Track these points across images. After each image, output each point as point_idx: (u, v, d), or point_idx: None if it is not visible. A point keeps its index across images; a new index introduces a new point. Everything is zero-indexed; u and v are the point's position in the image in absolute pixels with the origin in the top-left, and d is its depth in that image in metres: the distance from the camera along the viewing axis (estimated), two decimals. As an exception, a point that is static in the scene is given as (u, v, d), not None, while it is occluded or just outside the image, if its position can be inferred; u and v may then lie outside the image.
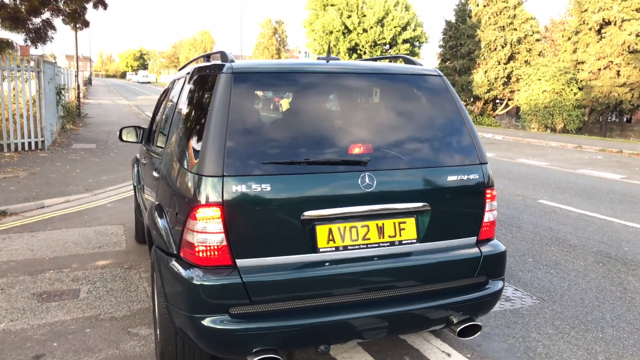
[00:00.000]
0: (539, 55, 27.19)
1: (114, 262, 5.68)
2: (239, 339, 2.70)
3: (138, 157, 5.91)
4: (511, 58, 27.20)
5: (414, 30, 50.26)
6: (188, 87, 3.49)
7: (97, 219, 7.48)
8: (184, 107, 3.39)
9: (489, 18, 27.67)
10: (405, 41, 50.24)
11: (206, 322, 2.67)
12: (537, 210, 8.48)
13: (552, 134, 23.23)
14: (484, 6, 28.11)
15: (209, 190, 2.66)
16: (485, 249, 3.21)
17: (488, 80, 27.17)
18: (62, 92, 16.53)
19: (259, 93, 3.83)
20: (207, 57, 3.81)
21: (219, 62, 3.15)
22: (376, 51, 50.08)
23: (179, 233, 2.83)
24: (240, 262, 2.72)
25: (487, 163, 3.26)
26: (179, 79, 4.16)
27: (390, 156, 3.02)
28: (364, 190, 2.86)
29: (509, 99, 28.02)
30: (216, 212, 2.65)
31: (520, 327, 4.28)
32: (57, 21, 13.46)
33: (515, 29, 27.13)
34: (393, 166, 3.00)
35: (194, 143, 2.93)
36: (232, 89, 2.84)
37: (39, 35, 12.13)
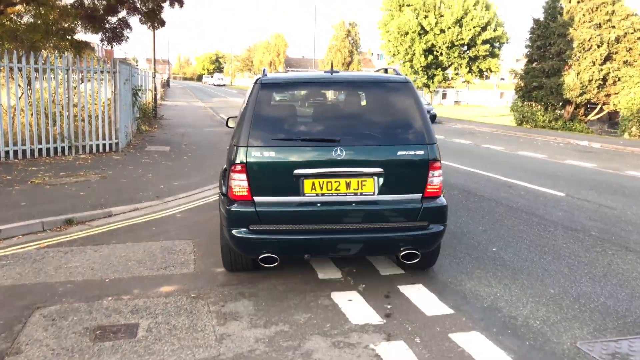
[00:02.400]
0: (641, 55, 24.73)
1: (179, 288, 4.94)
2: (253, 244, 4.47)
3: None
4: (608, 58, 24.83)
5: (494, 31, 47.89)
6: (248, 91, 5.03)
7: (165, 231, 6.84)
8: (243, 104, 4.99)
9: (584, 15, 25.44)
10: (485, 42, 47.98)
11: (235, 232, 4.47)
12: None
13: (656, 142, 20.92)
14: (578, 2, 25.88)
15: (240, 154, 4.40)
16: (427, 203, 4.57)
17: (581, 83, 24.95)
18: (139, 93, 16.40)
19: (278, 96, 5.48)
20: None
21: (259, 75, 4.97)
22: (453, 52, 48.11)
23: (227, 181, 4.60)
24: (256, 199, 4.45)
25: (434, 144, 4.59)
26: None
27: (357, 136, 4.55)
28: (335, 158, 4.42)
29: (604, 103, 25.63)
30: (242, 167, 4.38)
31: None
32: (134, 21, 13.17)
33: (614, 27, 24.74)
34: (358, 143, 4.50)
35: (238, 127, 4.67)
36: (258, 94, 4.60)
37: (115, 35, 11.88)
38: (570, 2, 26.65)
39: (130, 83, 14.60)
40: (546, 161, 14.59)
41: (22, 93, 11.26)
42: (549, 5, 27.22)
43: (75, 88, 12.10)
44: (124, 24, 11.86)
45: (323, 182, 4.45)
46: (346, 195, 4.49)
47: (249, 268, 5.19)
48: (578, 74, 25.22)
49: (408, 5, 48.49)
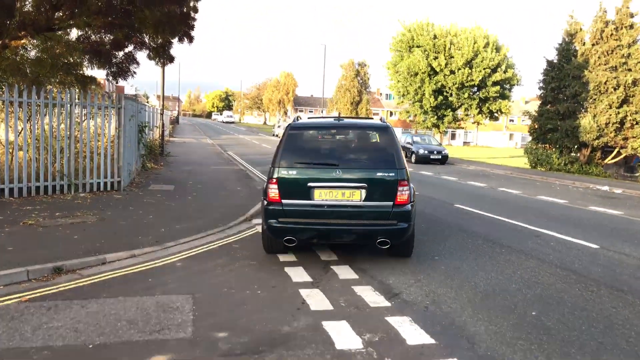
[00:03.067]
0: (658, 98, 24.21)
1: (173, 359, 4.22)
2: (281, 230, 6.75)
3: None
4: (625, 101, 24.31)
5: (504, 72, 47.82)
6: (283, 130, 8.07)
7: (162, 283, 6.14)
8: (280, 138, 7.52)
9: (599, 57, 25.07)
10: (495, 83, 47.88)
11: (269, 222, 6.81)
12: None
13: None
14: (593, 45, 25.56)
15: (274, 172, 6.78)
16: (396, 208, 6.63)
17: (598, 126, 24.37)
18: (145, 130, 15.94)
19: (302, 135, 7.38)
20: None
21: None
22: (464, 93, 47.96)
23: (266, 189, 6.86)
24: (283, 201, 6.73)
25: (403, 169, 6.74)
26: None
27: (350, 162, 6.90)
28: (335, 176, 6.70)
29: (621, 147, 24.98)
30: (275, 181, 6.73)
31: None
32: (142, 56, 12.78)
33: (630, 70, 24.32)
34: (350, 167, 6.81)
35: (275, 154, 6.99)
36: (288, 133, 7.09)
37: (121, 69, 11.45)
38: (584, 44, 26.36)
39: (136, 119, 14.15)
40: (568, 207, 13.85)
41: (22, 128, 10.78)
42: (563, 47, 26.93)
43: (78, 124, 11.63)
44: (131, 58, 11.45)
45: (327, 191, 6.76)
46: (342, 201, 6.74)
47: (279, 251, 7.51)
48: (594, 116, 24.68)
49: (418, 46, 48.67)
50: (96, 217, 9.36)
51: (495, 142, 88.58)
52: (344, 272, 6.77)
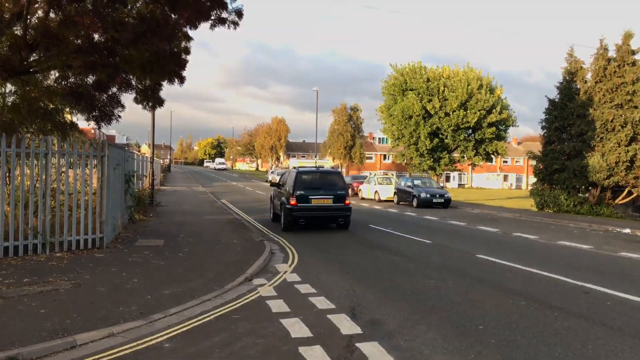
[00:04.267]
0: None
1: None
2: (296, 217, 15.89)
3: (273, 194, 19.26)
4: (633, 139, 23.47)
5: (500, 113, 47.35)
6: (290, 172, 18.07)
7: (145, 377, 4.77)
8: (288, 178, 17.16)
9: (603, 95, 24.33)
10: (490, 124, 47.32)
11: (293, 214, 15.91)
12: None
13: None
14: (596, 82, 24.87)
15: (294, 193, 15.90)
16: (346, 206, 16.38)
17: (608, 165, 23.40)
18: (132, 179, 14.68)
19: (303, 174, 16.91)
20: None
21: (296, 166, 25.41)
22: (459, 135, 47.27)
23: (288, 200, 16.08)
24: (298, 205, 15.88)
25: (346, 190, 16.73)
26: (290, 170, 19.72)
27: (326, 188, 16.33)
28: (320, 193, 16.12)
29: (633, 186, 23.95)
30: (294, 199, 15.85)
31: None
32: (130, 99, 11.65)
33: (636, 107, 23.56)
34: (326, 189, 16.26)
35: (290, 187, 16.27)
36: (297, 174, 16.57)
37: (104, 113, 10.25)
38: (586, 82, 25.73)
39: (122, 168, 12.91)
40: (598, 254, 12.60)
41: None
42: (564, 86, 26.26)
43: (57, 175, 10.39)
44: (115, 101, 10.28)
45: (317, 199, 15.76)
46: (324, 204, 15.85)
47: (293, 229, 15.83)
48: (603, 155, 23.75)
49: (411, 90, 48.30)
50: (71, 283, 7.98)
51: (490, 184, 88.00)
52: (375, 354, 5.39)
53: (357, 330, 6.12)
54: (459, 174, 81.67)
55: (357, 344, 5.61)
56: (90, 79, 9.81)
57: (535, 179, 28.30)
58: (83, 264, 9.42)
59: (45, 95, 11.11)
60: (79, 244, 10.59)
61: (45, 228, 10.03)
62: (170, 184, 45.24)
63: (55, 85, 10.74)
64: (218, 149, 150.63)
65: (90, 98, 9.68)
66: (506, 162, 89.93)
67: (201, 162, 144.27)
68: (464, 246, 13.36)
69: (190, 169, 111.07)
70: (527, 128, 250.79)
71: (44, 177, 9.94)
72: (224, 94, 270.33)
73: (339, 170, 23.73)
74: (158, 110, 15.07)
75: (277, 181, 19.33)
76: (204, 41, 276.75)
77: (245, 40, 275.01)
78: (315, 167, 22.62)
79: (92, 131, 48.63)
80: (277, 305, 7.22)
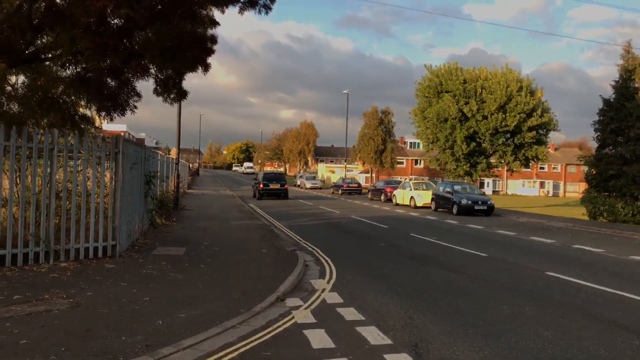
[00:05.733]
0: None
1: None
2: (262, 193, 34.85)
3: (253, 183, 39.79)
4: (700, 143, 21.32)
5: (540, 117, 45.02)
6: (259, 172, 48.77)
7: None
8: (259, 176, 39.83)
9: (666, 94, 22.30)
10: (530, 128, 45.00)
11: (261, 192, 34.66)
12: None
13: None
14: (658, 80, 22.84)
15: (261, 182, 35.35)
16: (285, 189, 36.30)
17: (671, 171, 21.30)
18: (153, 180, 13.39)
19: (265, 174, 39.23)
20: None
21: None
22: (497, 139, 45.04)
23: (258, 185, 35.57)
24: (263, 188, 35.49)
25: (286, 182, 36.91)
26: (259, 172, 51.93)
27: (280, 181, 36.14)
28: (275, 184, 35.35)
29: (700, 194, 21.75)
30: (262, 184, 35.46)
31: None
32: (148, 90, 10.33)
33: None
34: (279, 181, 35.82)
35: (255, 179, 38.98)
36: (263, 175, 38.76)
37: (116, 102, 8.93)
38: (646, 81, 23.63)
39: (140, 168, 11.63)
40: (686, 272, 10.75)
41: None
42: (621, 85, 24.18)
43: (63, 174, 9.13)
44: (129, 89, 8.95)
45: (272, 185, 34.91)
46: (277, 187, 34.96)
47: (261, 198, 34.16)
48: (667, 160, 21.63)
49: (447, 92, 46.38)
50: (69, 302, 6.63)
51: (525, 191, 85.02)
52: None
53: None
54: (493, 181, 78.85)
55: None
56: (103, 64, 8.53)
57: (586, 186, 26.20)
58: (89, 276, 8.09)
59: (56, 85, 9.90)
60: (88, 252, 9.28)
61: (49, 234, 8.75)
62: (197, 187, 44.38)
63: (63, 70, 9.50)
64: (246, 154, 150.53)
65: (99, 84, 8.40)
66: (543, 168, 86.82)
67: (229, 166, 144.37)
68: (526, 261, 11.64)
69: (218, 172, 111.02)
70: (559, 134, 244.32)
71: (48, 175, 8.66)
72: (252, 99, 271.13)
73: (282, 172, 49.41)
74: (187, 114, 13.80)
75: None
76: (234, 47, 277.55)
77: (272, 45, 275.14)
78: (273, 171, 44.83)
79: (123, 133, 48.07)
80: (318, 338, 5.71)
